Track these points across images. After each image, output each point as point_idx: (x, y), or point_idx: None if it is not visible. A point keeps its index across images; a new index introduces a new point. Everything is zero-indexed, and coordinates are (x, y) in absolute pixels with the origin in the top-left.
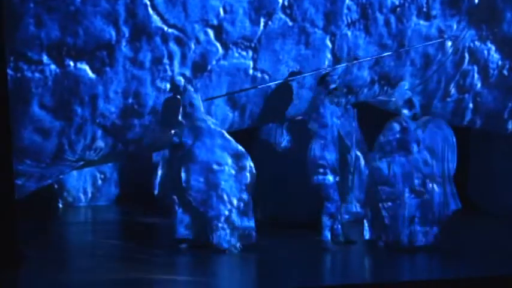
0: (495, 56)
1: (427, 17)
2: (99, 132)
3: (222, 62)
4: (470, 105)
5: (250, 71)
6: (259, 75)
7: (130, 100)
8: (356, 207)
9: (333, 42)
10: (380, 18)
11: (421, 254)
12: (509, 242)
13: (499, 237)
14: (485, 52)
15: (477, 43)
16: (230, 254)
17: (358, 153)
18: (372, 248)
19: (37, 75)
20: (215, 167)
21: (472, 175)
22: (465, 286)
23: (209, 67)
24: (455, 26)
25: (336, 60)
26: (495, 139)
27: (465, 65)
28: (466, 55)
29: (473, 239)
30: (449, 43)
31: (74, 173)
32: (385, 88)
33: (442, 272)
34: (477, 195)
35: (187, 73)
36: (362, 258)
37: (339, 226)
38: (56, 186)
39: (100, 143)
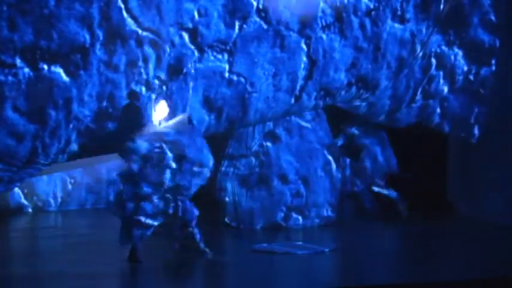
0: (461, 61)
1: (402, 20)
2: (74, 136)
3: (197, 65)
4: (438, 110)
5: (226, 74)
6: (235, 78)
7: (104, 103)
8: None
9: (308, 45)
10: (355, 21)
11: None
12: (491, 246)
13: (478, 241)
14: (452, 57)
15: (444, 48)
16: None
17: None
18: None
19: (10, 78)
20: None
21: (451, 179)
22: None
23: (185, 70)
24: (424, 31)
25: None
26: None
27: (432, 70)
28: (433, 60)
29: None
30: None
31: (44, 177)
32: (362, 91)
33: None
34: (457, 199)
35: (163, 76)
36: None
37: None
38: (25, 190)
39: (74, 147)
